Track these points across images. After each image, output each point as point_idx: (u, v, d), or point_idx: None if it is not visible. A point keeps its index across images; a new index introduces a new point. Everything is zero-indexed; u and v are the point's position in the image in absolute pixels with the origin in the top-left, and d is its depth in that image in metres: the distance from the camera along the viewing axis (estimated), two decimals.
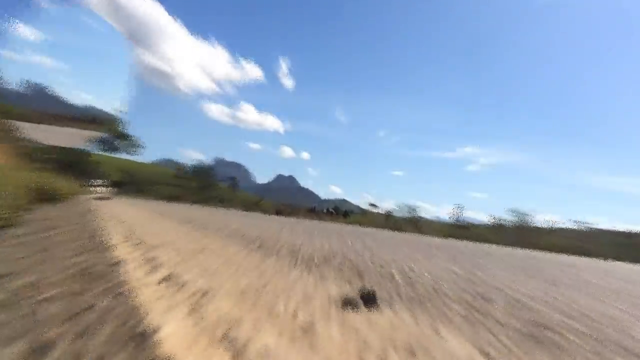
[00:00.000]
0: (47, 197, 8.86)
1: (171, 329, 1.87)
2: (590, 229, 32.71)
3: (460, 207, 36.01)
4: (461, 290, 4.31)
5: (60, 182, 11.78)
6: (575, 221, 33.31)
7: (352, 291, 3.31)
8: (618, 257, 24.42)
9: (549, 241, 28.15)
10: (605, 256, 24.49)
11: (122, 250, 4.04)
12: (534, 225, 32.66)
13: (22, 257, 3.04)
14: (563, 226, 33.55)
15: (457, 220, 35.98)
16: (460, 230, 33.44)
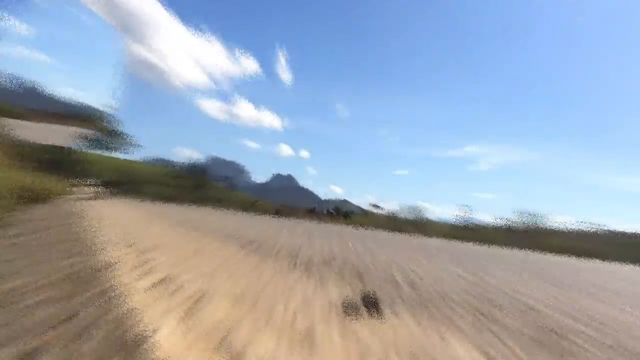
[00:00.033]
0: (35, 197, 8.86)
1: (166, 333, 1.87)
2: (606, 230, 32.69)
3: (465, 208, 36.01)
4: (466, 294, 4.32)
5: (49, 182, 11.78)
6: (587, 223, 33.34)
7: (353, 295, 3.31)
8: (634, 260, 24.41)
9: (559, 243, 28.19)
10: (620, 259, 24.48)
11: (114, 253, 4.04)
12: (544, 226, 32.69)
13: (12, 260, 3.05)
14: (575, 228, 33.57)
15: (463, 222, 36.01)
16: (466, 231, 33.47)
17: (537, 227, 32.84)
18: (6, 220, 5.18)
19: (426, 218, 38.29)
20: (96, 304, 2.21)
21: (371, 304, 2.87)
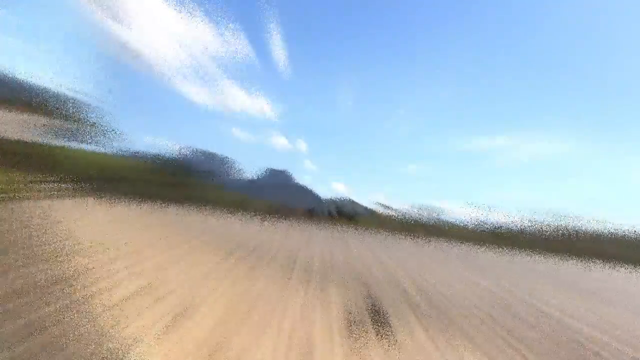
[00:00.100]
0: None
1: (148, 348, 1.89)
2: None
3: (488, 208, 36.08)
4: (490, 308, 4.34)
5: (7, 179, 11.74)
6: (630, 225, 33.32)
7: (358, 308, 3.33)
8: None
9: (596, 248, 28.27)
10: None
11: (83, 260, 4.06)
12: (577, 229, 32.75)
13: None
14: (617, 230, 33.59)
15: (485, 224, 36.12)
16: (489, 235, 33.62)
17: (569, 229, 32.93)
18: None
19: (442, 219, 38.42)
20: (65, 316, 2.23)
21: (379, 319, 2.88)
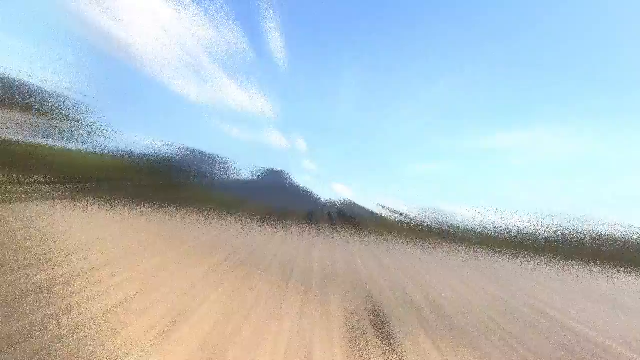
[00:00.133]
0: None
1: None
2: None
3: (502, 211, 36.07)
4: (502, 318, 4.34)
5: None
6: None
7: (361, 318, 3.34)
8: None
9: (622, 255, 28.21)
10: None
11: (68, 267, 4.07)
12: (601, 234, 32.67)
13: None
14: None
15: (499, 228, 36.07)
16: (504, 240, 33.58)
17: (593, 235, 32.89)
18: None
19: (452, 223, 38.41)
20: (48, 325, 2.23)
21: (383, 330, 2.89)
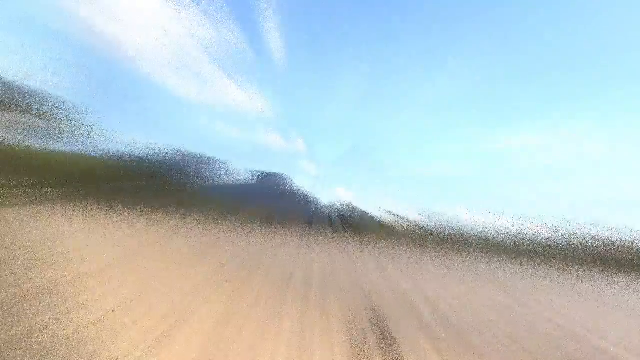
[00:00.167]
0: None
1: None
2: None
3: (518, 217, 36.12)
4: (512, 328, 4.36)
5: None
6: None
7: (363, 329, 3.36)
8: None
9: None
10: None
11: (52, 274, 4.10)
12: (619, 240, 32.64)
13: None
14: None
15: (510, 234, 36.10)
16: (514, 246, 33.55)
17: (612, 241, 32.90)
18: None
19: (457, 228, 38.46)
20: (36, 335, 2.27)
21: (386, 341, 2.92)
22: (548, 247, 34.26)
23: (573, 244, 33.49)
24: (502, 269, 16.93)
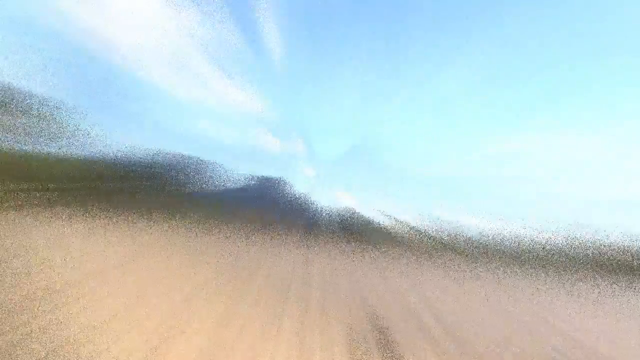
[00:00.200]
0: None
1: None
2: None
3: (525, 221, 36.05)
4: (524, 343, 4.39)
5: None
6: None
7: (364, 340, 3.42)
8: None
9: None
10: None
11: (38, 283, 4.18)
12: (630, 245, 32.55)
13: None
14: None
15: (520, 240, 35.98)
16: (526, 254, 33.45)
17: (622, 248, 32.83)
18: None
19: (463, 234, 38.39)
20: (36, 336, 2.36)
21: (389, 352, 2.98)
22: (557, 254, 34.15)
23: (582, 250, 33.38)
24: (506, 273, 16.90)
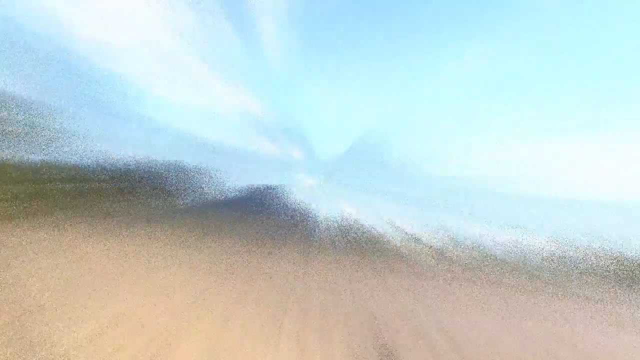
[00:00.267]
0: None
1: None
2: None
3: (551, 235, 36.01)
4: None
5: None
6: None
7: (367, 357, 3.49)
8: None
9: None
10: None
11: (45, 286, 4.26)
12: None
13: None
14: None
15: (536, 251, 35.89)
16: (543, 267, 33.39)
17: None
18: None
19: (479, 248, 38.35)
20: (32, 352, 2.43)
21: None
22: (575, 266, 34.02)
23: (601, 261, 33.25)
24: (519, 288, 16.87)
